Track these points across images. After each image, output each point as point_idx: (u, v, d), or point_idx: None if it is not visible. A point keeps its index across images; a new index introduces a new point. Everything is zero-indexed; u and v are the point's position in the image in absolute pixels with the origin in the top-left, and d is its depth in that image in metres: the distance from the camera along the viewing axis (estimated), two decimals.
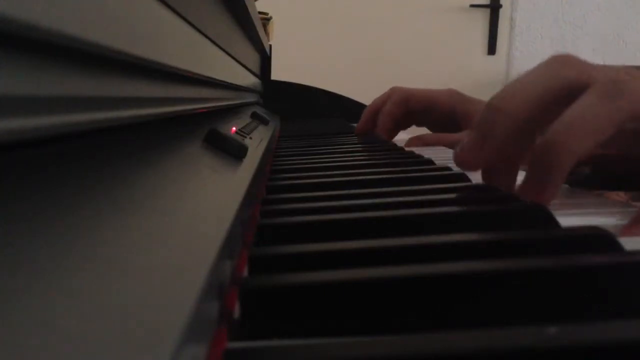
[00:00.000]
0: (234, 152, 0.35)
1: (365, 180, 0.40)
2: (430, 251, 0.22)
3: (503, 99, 0.33)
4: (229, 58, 0.61)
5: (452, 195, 0.33)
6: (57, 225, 0.13)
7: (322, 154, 0.60)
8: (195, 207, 0.22)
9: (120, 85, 0.22)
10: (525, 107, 0.32)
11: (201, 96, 0.43)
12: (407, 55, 2.47)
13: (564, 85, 0.31)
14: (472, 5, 2.47)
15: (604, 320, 0.15)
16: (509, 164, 0.34)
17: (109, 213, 0.16)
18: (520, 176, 0.33)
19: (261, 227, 0.26)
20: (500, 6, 2.48)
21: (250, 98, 0.95)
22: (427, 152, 0.57)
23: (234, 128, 0.49)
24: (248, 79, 0.89)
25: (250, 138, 0.50)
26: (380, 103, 0.81)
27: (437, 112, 0.79)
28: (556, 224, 0.26)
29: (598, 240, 0.22)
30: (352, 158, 0.54)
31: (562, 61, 0.33)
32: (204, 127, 0.37)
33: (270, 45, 1.29)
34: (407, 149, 0.65)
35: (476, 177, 0.38)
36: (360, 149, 0.64)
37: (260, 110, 0.90)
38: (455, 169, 0.40)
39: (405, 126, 0.84)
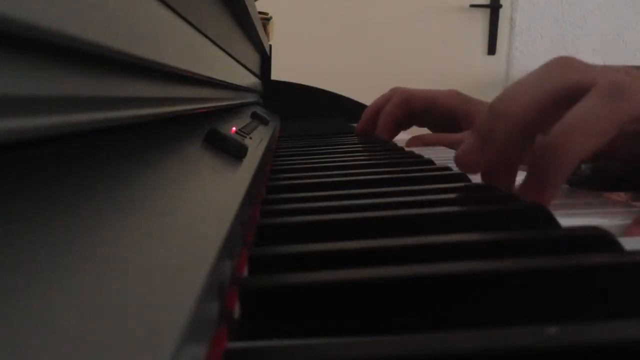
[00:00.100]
0: (234, 152, 0.35)
1: (365, 180, 0.40)
2: (430, 251, 0.22)
3: (504, 102, 0.33)
4: (229, 58, 0.61)
5: (452, 195, 0.33)
6: (57, 225, 0.13)
7: (322, 154, 0.60)
8: (195, 207, 0.22)
9: (120, 85, 0.22)
10: (526, 110, 0.32)
11: (201, 96, 0.43)
12: (407, 55, 2.47)
13: (565, 88, 0.31)
14: (472, 5, 2.47)
15: (604, 320, 0.15)
16: (509, 165, 0.34)
17: (109, 213, 0.16)
18: (520, 176, 0.33)
19: (261, 227, 0.26)
20: (500, 6, 2.48)
21: (250, 98, 0.95)
22: (427, 152, 0.57)
23: (234, 128, 0.49)
24: (248, 79, 0.89)
25: (250, 138, 0.50)
26: (381, 103, 0.81)
27: (438, 113, 0.79)
28: (556, 224, 0.26)
29: (598, 240, 0.22)
30: (352, 158, 0.54)
31: (563, 64, 0.33)
32: (204, 127, 0.37)
33: (270, 45, 1.29)
34: (407, 148, 0.65)
35: (476, 177, 0.38)
36: (360, 149, 0.64)
37: (260, 110, 0.90)
38: (455, 169, 0.40)
39: (405, 127, 0.84)
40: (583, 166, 0.41)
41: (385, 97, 0.82)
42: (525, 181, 0.31)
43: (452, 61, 2.50)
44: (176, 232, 0.18)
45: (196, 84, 0.41)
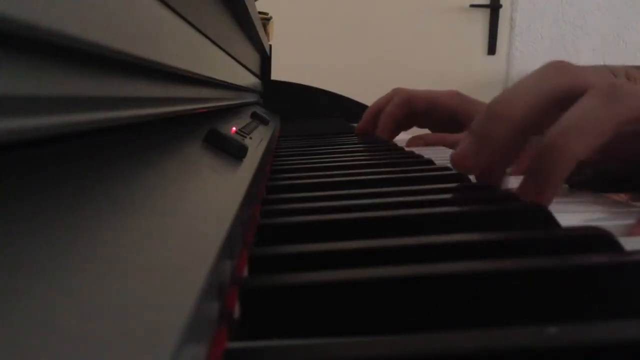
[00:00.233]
0: (234, 152, 0.35)
1: (365, 180, 0.40)
2: (430, 251, 0.22)
3: (500, 104, 0.33)
4: (229, 58, 0.61)
5: (452, 195, 0.33)
6: (57, 225, 0.13)
7: (322, 154, 0.60)
8: (195, 207, 0.22)
9: (120, 85, 0.22)
10: (522, 111, 0.32)
11: (201, 96, 0.43)
12: (407, 55, 2.47)
13: (560, 91, 0.32)
14: (472, 5, 2.47)
15: (604, 320, 0.15)
16: (503, 165, 0.35)
17: (109, 213, 0.16)
18: (520, 177, 0.33)
19: (261, 227, 0.26)
20: (500, 6, 2.48)
21: (250, 98, 0.95)
22: (427, 152, 0.57)
23: (234, 128, 0.49)
24: (248, 79, 0.89)
25: (250, 138, 0.50)
26: (383, 104, 0.81)
27: (439, 113, 0.79)
28: (556, 224, 0.26)
29: (598, 240, 0.22)
30: (352, 158, 0.54)
31: (558, 67, 0.33)
32: (204, 127, 0.37)
33: (270, 45, 1.29)
34: (408, 148, 0.65)
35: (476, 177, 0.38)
36: (360, 149, 0.64)
37: (260, 110, 0.90)
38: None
39: (406, 127, 0.84)
40: (585, 169, 0.41)
41: (386, 97, 0.82)
42: (525, 182, 0.31)
43: (452, 61, 2.50)
44: (176, 232, 0.18)
45: (196, 84, 0.41)
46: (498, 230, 0.25)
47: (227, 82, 0.57)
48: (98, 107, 0.19)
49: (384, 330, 0.17)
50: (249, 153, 0.37)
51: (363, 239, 0.23)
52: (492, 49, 2.51)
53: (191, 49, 0.36)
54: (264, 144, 0.53)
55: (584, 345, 0.13)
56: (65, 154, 0.18)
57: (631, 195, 0.48)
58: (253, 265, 0.21)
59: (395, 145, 0.68)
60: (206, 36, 0.44)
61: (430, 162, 0.48)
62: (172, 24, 0.30)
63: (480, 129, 0.33)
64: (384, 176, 0.41)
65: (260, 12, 1.06)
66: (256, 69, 1.10)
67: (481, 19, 2.50)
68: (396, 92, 0.82)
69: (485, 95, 0.64)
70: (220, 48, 0.53)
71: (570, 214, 0.31)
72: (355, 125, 0.89)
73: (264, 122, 0.76)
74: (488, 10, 2.49)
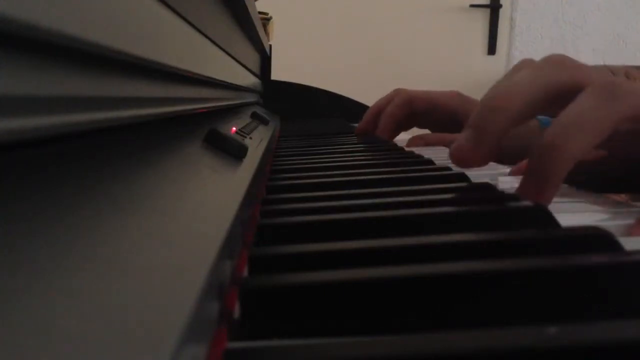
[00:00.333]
0: (234, 152, 0.35)
1: (365, 180, 0.40)
2: (430, 251, 0.22)
3: (497, 96, 0.33)
4: (229, 58, 0.61)
5: (452, 195, 0.33)
6: (57, 225, 0.13)
7: (322, 154, 0.60)
8: (195, 207, 0.22)
9: (120, 85, 0.22)
10: (519, 105, 0.32)
11: (201, 96, 0.43)
12: (407, 55, 2.47)
13: (558, 86, 0.32)
14: (472, 5, 2.47)
15: (604, 320, 0.15)
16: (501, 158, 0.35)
17: (109, 213, 0.16)
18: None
19: (261, 227, 0.26)
20: (500, 6, 2.48)
21: (250, 98, 0.95)
22: (427, 152, 0.57)
23: (234, 128, 0.49)
24: (248, 79, 0.89)
25: (250, 138, 0.50)
26: (384, 104, 0.81)
27: (440, 114, 0.79)
28: (556, 224, 0.26)
29: (598, 240, 0.22)
30: (352, 158, 0.54)
31: (557, 61, 0.33)
32: (204, 127, 0.37)
33: (270, 45, 1.29)
34: (408, 148, 0.65)
35: (476, 177, 0.38)
36: (360, 149, 0.64)
37: (260, 110, 0.90)
38: (456, 169, 0.40)
39: (406, 127, 0.84)
40: (585, 170, 0.42)
41: (387, 98, 0.82)
42: (524, 182, 0.31)
43: (452, 61, 2.50)
44: (176, 232, 0.18)
45: (196, 84, 0.41)
46: (498, 230, 0.25)
47: (227, 82, 0.57)
48: (98, 107, 0.19)
49: (384, 330, 0.17)
50: (249, 153, 0.37)
51: (363, 239, 0.23)
52: (492, 49, 2.51)
53: (191, 49, 0.36)
54: (264, 144, 0.53)
55: (584, 345, 0.13)
56: (65, 154, 0.18)
57: (631, 195, 0.48)
58: (253, 265, 0.21)
59: (395, 145, 0.68)
60: (206, 36, 0.44)
61: (430, 162, 0.48)
62: (172, 24, 0.30)
63: (478, 122, 0.33)
64: (384, 176, 0.41)
65: (260, 12, 1.06)
66: (256, 69, 1.10)
67: (481, 19, 2.50)
68: (397, 92, 0.82)
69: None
70: (220, 48, 0.53)
71: (570, 214, 0.31)
72: (356, 125, 0.89)
73: (264, 122, 0.76)
74: (488, 10, 2.49)
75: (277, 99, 1.24)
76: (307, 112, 1.25)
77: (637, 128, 0.31)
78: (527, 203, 0.28)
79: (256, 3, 0.92)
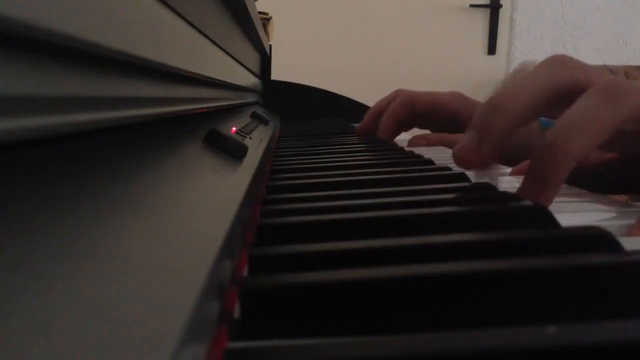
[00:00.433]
0: (234, 152, 0.35)
1: (365, 180, 0.40)
2: (430, 251, 0.22)
3: (500, 98, 0.33)
4: (229, 58, 0.61)
5: (452, 195, 0.33)
6: (57, 225, 0.13)
7: (322, 154, 0.60)
8: (195, 207, 0.22)
9: (120, 85, 0.22)
10: (522, 105, 0.32)
11: (201, 96, 0.43)
12: (407, 55, 2.47)
13: (560, 87, 0.32)
14: (472, 5, 2.47)
15: (604, 320, 0.15)
16: (503, 159, 0.35)
17: (109, 213, 0.16)
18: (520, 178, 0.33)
19: (261, 227, 0.26)
20: (500, 6, 2.48)
21: (250, 98, 0.95)
22: (427, 152, 0.57)
23: (234, 128, 0.49)
24: (248, 79, 0.89)
25: (250, 138, 0.50)
26: (384, 105, 0.81)
27: (441, 114, 0.79)
28: (556, 224, 0.26)
29: (598, 240, 0.22)
30: (352, 158, 0.54)
31: (559, 62, 0.33)
32: (204, 127, 0.37)
33: (270, 45, 1.29)
34: (409, 147, 0.65)
35: (476, 177, 0.38)
36: (360, 149, 0.64)
37: (260, 110, 0.90)
38: (456, 169, 0.40)
39: (407, 128, 0.84)
40: (589, 173, 0.42)
41: (388, 98, 0.82)
42: (525, 182, 0.31)
43: (452, 61, 2.50)
44: (176, 232, 0.18)
45: (196, 84, 0.41)
46: (498, 230, 0.25)
47: (227, 82, 0.57)
48: (98, 107, 0.19)
49: (384, 330, 0.17)
50: (249, 153, 0.37)
51: (363, 239, 0.23)
52: (492, 49, 2.51)
53: (191, 49, 0.36)
54: (264, 144, 0.53)
55: (584, 345, 0.13)
56: (65, 154, 0.18)
57: (631, 196, 0.48)
58: (253, 265, 0.21)
59: (395, 145, 0.68)
60: (206, 36, 0.44)
61: (430, 162, 0.48)
62: (172, 24, 0.30)
63: (480, 123, 0.33)
64: (384, 176, 0.41)
65: (260, 12, 1.06)
66: (256, 69, 1.10)
67: (481, 19, 2.50)
68: (398, 93, 0.82)
69: (485, 96, 0.64)
70: (220, 48, 0.53)
71: (570, 214, 0.31)
72: (356, 125, 0.89)
73: (264, 122, 0.76)
74: (488, 10, 2.49)
75: (277, 99, 1.24)
76: (307, 112, 1.25)
77: (639, 128, 0.31)
78: (527, 203, 0.28)
79: (256, 3, 0.92)
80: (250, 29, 0.84)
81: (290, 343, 0.16)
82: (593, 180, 0.42)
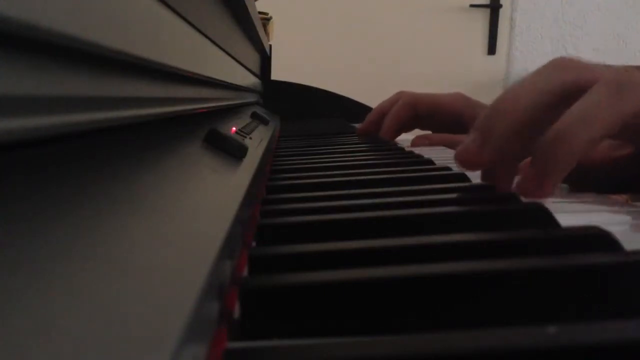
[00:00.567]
0: (234, 152, 0.35)
1: (365, 180, 0.40)
2: (430, 251, 0.22)
3: (504, 100, 0.33)
4: (229, 58, 0.61)
5: (452, 195, 0.33)
6: (57, 225, 0.13)
7: (322, 154, 0.60)
8: (195, 207, 0.22)
9: (120, 85, 0.22)
10: (526, 107, 0.32)
11: (201, 96, 0.43)
12: (407, 55, 2.47)
13: (566, 87, 0.32)
14: (472, 5, 2.47)
15: (604, 320, 0.15)
16: (508, 163, 0.34)
17: (109, 213, 0.16)
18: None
19: (261, 227, 0.26)
20: (500, 6, 2.48)
21: (250, 98, 0.95)
22: (427, 152, 0.57)
23: (234, 128, 0.49)
24: (248, 79, 0.89)
25: (250, 138, 0.50)
26: (387, 106, 0.81)
27: (443, 116, 0.80)
28: (556, 224, 0.26)
29: (598, 240, 0.22)
30: (352, 158, 0.54)
31: (563, 63, 0.33)
32: (204, 127, 0.37)
33: (270, 45, 1.29)
34: (412, 147, 0.65)
35: (476, 177, 0.38)
36: (360, 149, 0.64)
37: (260, 110, 0.90)
38: (456, 169, 0.40)
39: (408, 129, 0.84)
40: (594, 173, 0.41)
41: (391, 100, 0.82)
42: (525, 174, 0.31)
43: (452, 61, 2.50)
44: (176, 232, 0.18)
45: (196, 84, 0.41)
46: (498, 230, 0.25)
47: (227, 82, 0.57)
48: (98, 107, 0.19)
49: (384, 330, 0.17)
50: (249, 153, 0.37)
51: (363, 239, 0.23)
52: (492, 49, 2.51)
53: (191, 49, 0.36)
54: (264, 144, 0.53)
55: (584, 345, 0.13)
56: (65, 154, 0.18)
57: (631, 195, 0.48)
58: (253, 265, 0.21)
59: (396, 145, 0.68)
60: (206, 36, 0.44)
61: (430, 162, 0.48)
62: (172, 24, 0.30)
63: (484, 125, 0.33)
64: (384, 176, 0.41)
65: (260, 12, 1.06)
66: (256, 69, 1.10)
67: (481, 19, 2.50)
68: (401, 95, 0.82)
69: (485, 95, 0.64)
70: (220, 48, 0.53)
71: (570, 214, 0.31)
72: (356, 125, 0.89)
73: (264, 122, 0.76)
74: (488, 10, 2.49)
75: (277, 99, 1.24)
76: (307, 112, 1.25)
77: None
78: (527, 203, 0.28)
79: (256, 3, 0.92)
80: (250, 29, 0.84)
81: (290, 343, 0.16)
82: (594, 179, 0.42)
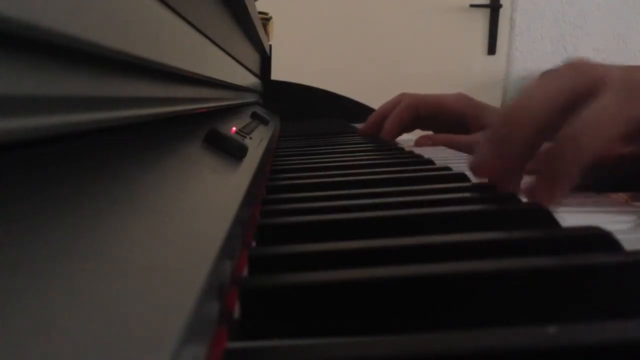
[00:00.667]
0: (234, 152, 0.35)
1: (365, 180, 0.40)
2: (430, 251, 0.22)
3: (518, 109, 0.33)
4: (229, 58, 0.61)
5: (452, 195, 0.33)
6: (57, 225, 0.13)
7: (322, 154, 0.60)
8: (195, 207, 0.22)
9: (120, 85, 0.22)
10: (541, 116, 0.32)
11: (201, 96, 0.43)
12: (407, 55, 2.47)
13: (577, 92, 0.31)
14: (472, 5, 2.47)
15: (604, 320, 0.15)
16: (519, 169, 0.34)
17: (109, 213, 0.16)
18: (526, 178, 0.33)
19: (261, 227, 0.26)
20: (500, 6, 2.48)
21: (250, 98, 0.95)
22: (427, 152, 0.57)
23: (234, 128, 0.49)
24: (248, 79, 0.89)
25: (250, 138, 0.50)
26: (389, 108, 0.81)
27: (446, 117, 0.80)
28: (556, 224, 0.26)
29: (598, 240, 0.22)
30: (352, 158, 0.54)
31: (575, 67, 0.33)
32: (204, 127, 0.37)
33: (270, 45, 1.29)
34: (415, 147, 0.65)
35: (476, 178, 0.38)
36: (360, 149, 0.64)
37: (260, 110, 0.90)
38: (455, 169, 0.40)
39: (409, 129, 0.84)
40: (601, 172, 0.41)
41: (393, 102, 0.82)
42: (536, 179, 0.31)
43: (452, 61, 2.50)
44: (176, 232, 0.18)
45: (196, 84, 0.41)
46: (498, 230, 0.25)
47: (227, 82, 0.57)
48: (98, 107, 0.19)
49: (384, 330, 0.17)
50: (249, 153, 0.37)
51: (363, 239, 0.23)
52: (492, 49, 2.51)
53: (191, 49, 0.36)
54: (264, 144, 0.53)
55: (584, 345, 0.13)
56: (65, 154, 0.18)
57: (631, 195, 0.48)
58: (253, 265, 0.21)
59: (396, 145, 0.68)
60: (206, 36, 0.44)
61: (430, 162, 0.48)
62: (172, 24, 0.30)
63: (499, 135, 0.33)
64: (384, 176, 0.41)
65: (260, 12, 1.06)
66: (256, 69, 1.10)
67: (481, 19, 2.50)
68: (403, 96, 0.82)
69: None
70: (220, 48, 0.53)
71: (570, 214, 0.31)
72: (356, 125, 0.89)
73: (264, 122, 0.76)
74: (488, 10, 2.49)
75: (277, 99, 1.24)
76: (307, 112, 1.25)
77: None
78: (527, 203, 0.28)
79: (256, 3, 0.92)
80: (250, 29, 0.84)
81: (290, 343, 0.16)
82: (595, 178, 0.42)
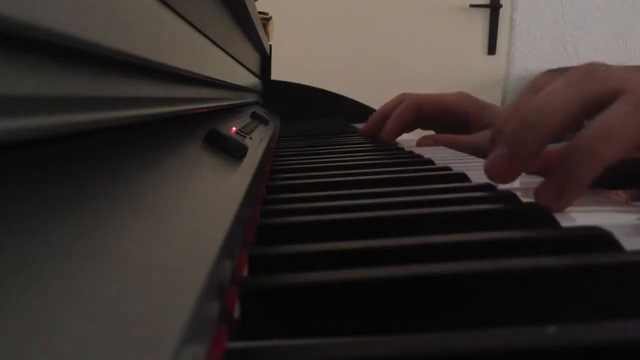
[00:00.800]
0: (234, 152, 0.35)
1: (366, 180, 0.40)
2: (430, 251, 0.22)
3: (532, 113, 0.32)
4: (229, 58, 0.61)
5: (452, 195, 0.33)
6: (57, 225, 0.13)
7: (322, 154, 0.60)
8: (195, 207, 0.22)
9: (120, 85, 0.22)
10: (555, 121, 0.31)
11: (201, 96, 0.43)
12: (407, 55, 2.47)
13: (594, 98, 0.31)
14: (472, 5, 2.47)
15: (604, 320, 0.15)
16: (532, 172, 0.34)
17: (109, 213, 0.16)
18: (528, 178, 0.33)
19: (261, 227, 0.26)
20: (500, 6, 2.48)
21: (250, 98, 0.95)
22: (427, 152, 0.57)
23: (234, 128, 0.49)
24: (248, 79, 0.89)
25: (250, 138, 0.50)
26: (390, 108, 0.81)
27: (448, 116, 0.80)
28: (556, 224, 0.26)
29: (598, 240, 0.22)
30: (352, 158, 0.54)
31: (590, 72, 0.32)
32: (204, 127, 0.37)
33: (270, 45, 1.29)
34: (418, 147, 0.65)
35: (476, 177, 0.38)
36: (360, 149, 0.64)
37: (260, 110, 0.90)
38: (455, 169, 0.40)
39: (410, 129, 0.84)
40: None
41: (394, 102, 0.82)
42: (545, 185, 0.31)
43: (452, 61, 2.50)
44: (176, 232, 0.18)
45: (196, 84, 0.41)
46: (498, 230, 0.25)
47: (227, 82, 0.57)
48: (98, 107, 0.19)
49: (384, 330, 0.17)
50: (249, 153, 0.37)
51: (363, 239, 0.23)
52: (492, 49, 2.51)
53: (191, 49, 0.36)
54: (264, 144, 0.53)
55: (584, 345, 0.13)
56: (65, 154, 0.18)
57: (631, 195, 0.48)
58: (253, 265, 0.21)
59: (396, 145, 0.68)
60: (206, 36, 0.44)
61: (430, 162, 0.48)
62: (172, 24, 0.30)
63: (513, 139, 0.33)
64: (384, 176, 0.41)
65: (260, 12, 1.06)
66: (256, 69, 1.10)
67: (481, 19, 2.50)
68: (404, 97, 0.82)
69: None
70: (220, 48, 0.53)
71: (570, 214, 0.31)
72: (356, 125, 0.89)
73: (264, 122, 0.76)
74: (488, 10, 2.49)
75: (277, 99, 1.24)
76: (307, 112, 1.25)
77: None
78: (527, 203, 0.28)
79: (256, 3, 0.92)
80: (250, 29, 0.84)
81: (290, 343, 0.16)
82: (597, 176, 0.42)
